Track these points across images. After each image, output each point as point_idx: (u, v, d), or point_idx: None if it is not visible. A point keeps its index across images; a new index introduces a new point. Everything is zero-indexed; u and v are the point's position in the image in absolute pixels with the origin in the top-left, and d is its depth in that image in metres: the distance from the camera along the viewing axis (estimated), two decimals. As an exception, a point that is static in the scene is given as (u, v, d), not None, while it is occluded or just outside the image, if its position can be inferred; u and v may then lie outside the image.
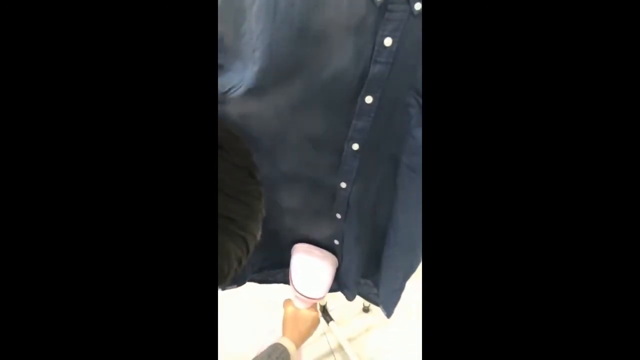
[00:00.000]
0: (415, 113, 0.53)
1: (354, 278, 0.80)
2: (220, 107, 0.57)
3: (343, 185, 0.65)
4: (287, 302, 0.82)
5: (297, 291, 0.80)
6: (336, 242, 0.77)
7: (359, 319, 1.36)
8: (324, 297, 0.81)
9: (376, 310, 1.23)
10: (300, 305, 0.81)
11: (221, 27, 0.53)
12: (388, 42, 0.48)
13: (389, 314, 0.82)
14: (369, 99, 0.52)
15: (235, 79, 0.54)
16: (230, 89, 0.55)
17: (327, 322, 1.33)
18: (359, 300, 1.12)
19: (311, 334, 0.81)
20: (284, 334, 0.75)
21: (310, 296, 0.79)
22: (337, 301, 1.39)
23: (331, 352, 1.33)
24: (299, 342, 0.75)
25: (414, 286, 0.73)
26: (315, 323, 0.81)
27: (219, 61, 0.55)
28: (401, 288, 0.75)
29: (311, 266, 0.81)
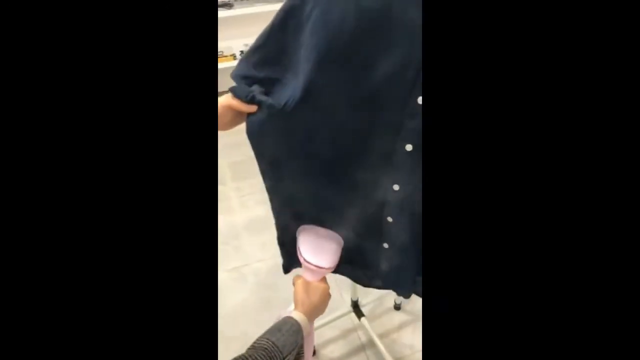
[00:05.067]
0: None
1: (411, 277, 0.80)
2: (283, 122, 0.62)
3: (396, 187, 0.66)
4: (297, 277, 0.82)
5: (306, 261, 0.81)
6: (385, 245, 0.77)
7: (390, 315, 1.44)
8: (332, 268, 0.83)
9: (407, 308, 1.46)
10: (310, 277, 0.81)
11: (285, 37, 0.58)
12: None
13: None
14: (420, 100, 0.54)
15: (289, 91, 0.60)
16: (286, 103, 0.60)
17: (359, 317, 1.38)
18: (390, 298, 1.50)
19: (324, 306, 0.79)
20: (295, 308, 0.75)
21: (319, 265, 0.80)
22: (368, 297, 1.45)
23: (362, 348, 1.34)
24: (311, 315, 0.74)
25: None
26: (326, 294, 0.79)
27: (278, 75, 0.62)
28: None
29: (319, 237, 0.83)
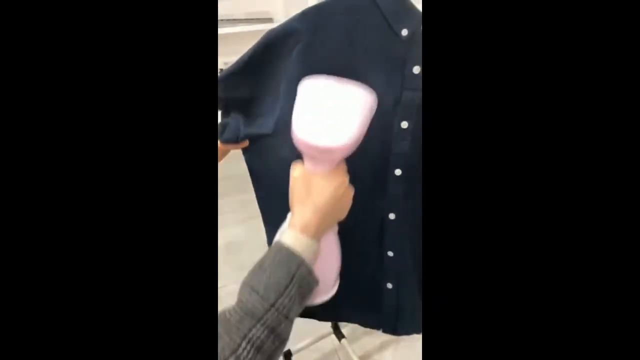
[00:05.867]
0: None
1: (417, 313, 0.71)
2: (273, 148, 0.63)
3: (392, 216, 0.63)
4: (296, 164, 0.53)
5: (303, 142, 0.48)
6: (389, 285, 0.69)
7: (371, 336, 1.42)
8: (350, 146, 0.48)
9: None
10: (313, 166, 0.50)
11: (265, 65, 0.58)
12: (417, 70, 0.52)
13: None
14: (404, 124, 0.56)
15: (274, 118, 0.61)
16: (276, 127, 0.61)
17: (339, 339, 1.36)
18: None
19: (340, 206, 0.52)
20: (292, 218, 0.50)
21: (327, 145, 0.47)
22: (349, 319, 1.43)
23: (343, 371, 1.32)
24: (316, 226, 0.48)
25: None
26: (339, 191, 0.50)
27: (257, 94, 0.62)
28: None
29: (328, 105, 0.48)
